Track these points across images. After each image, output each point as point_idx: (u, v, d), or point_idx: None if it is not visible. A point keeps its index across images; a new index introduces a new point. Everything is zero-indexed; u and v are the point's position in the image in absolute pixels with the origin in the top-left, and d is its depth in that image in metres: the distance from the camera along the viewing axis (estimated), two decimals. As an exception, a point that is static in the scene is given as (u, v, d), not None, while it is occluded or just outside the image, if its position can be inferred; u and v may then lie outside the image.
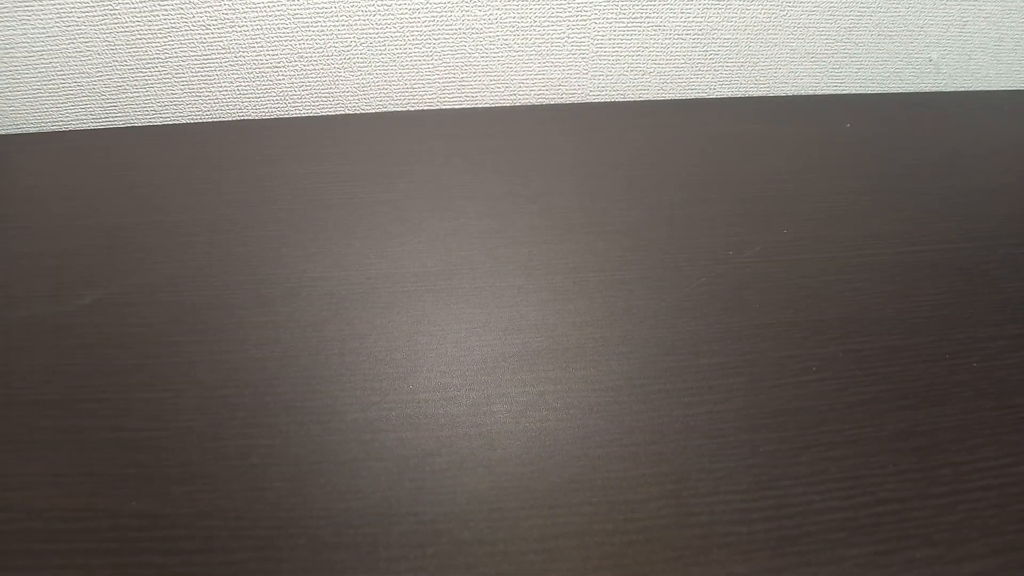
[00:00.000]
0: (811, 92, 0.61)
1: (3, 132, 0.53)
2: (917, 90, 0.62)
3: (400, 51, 0.53)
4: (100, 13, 0.49)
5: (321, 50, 0.52)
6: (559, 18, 0.53)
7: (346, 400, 0.31)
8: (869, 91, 0.61)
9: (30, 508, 0.26)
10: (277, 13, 0.50)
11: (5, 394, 0.31)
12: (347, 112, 0.56)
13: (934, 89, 0.62)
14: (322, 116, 0.55)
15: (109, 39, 0.50)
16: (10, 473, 0.27)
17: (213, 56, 0.52)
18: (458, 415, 0.30)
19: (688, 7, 0.54)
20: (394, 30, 0.52)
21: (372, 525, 0.26)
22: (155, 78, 0.52)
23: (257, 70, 0.53)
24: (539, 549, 0.25)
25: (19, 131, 0.53)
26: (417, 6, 0.51)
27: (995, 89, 0.62)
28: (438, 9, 0.51)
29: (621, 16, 0.54)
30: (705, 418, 0.30)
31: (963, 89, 0.62)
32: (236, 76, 0.53)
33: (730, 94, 0.60)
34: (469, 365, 0.32)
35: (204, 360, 0.32)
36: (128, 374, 0.32)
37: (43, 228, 0.42)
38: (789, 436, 0.29)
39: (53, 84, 0.52)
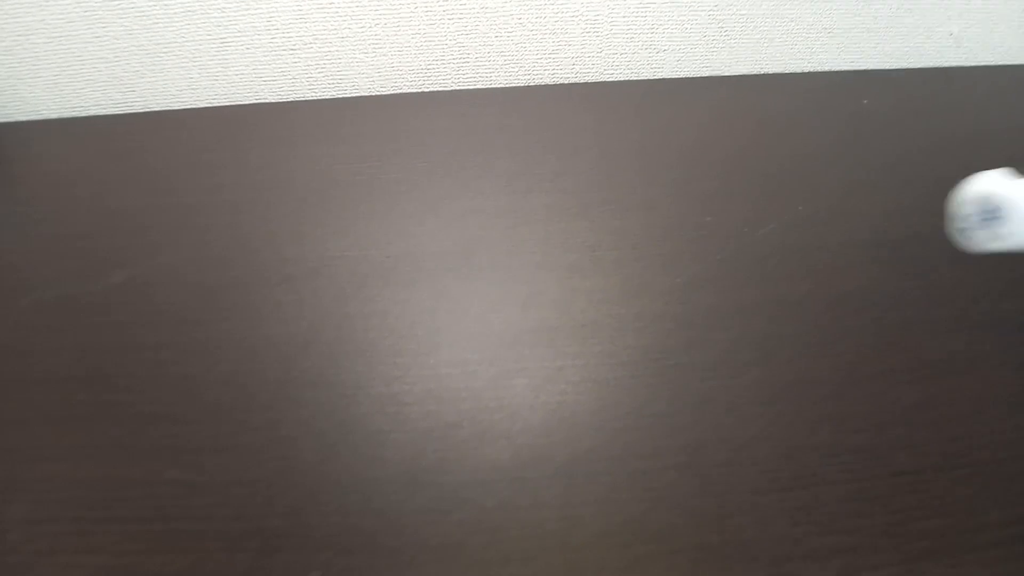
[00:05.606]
0: (828, 68, 0.60)
1: (26, 119, 0.54)
2: (937, 65, 0.61)
3: (415, 32, 0.53)
4: (118, -2, 0.49)
5: (336, 32, 0.53)
6: (573, -4, 0.53)
7: (370, 375, 0.31)
8: (887, 66, 0.60)
9: (70, 478, 0.27)
10: (292, -5, 0.50)
11: (41, 370, 0.32)
12: (363, 94, 0.56)
13: (954, 64, 0.61)
14: (338, 98, 0.55)
15: (126, 24, 0.51)
16: (49, 445, 0.28)
17: (229, 39, 0.52)
18: (479, 388, 0.31)
19: (703, -17, 0.53)
20: (408, 10, 0.52)
21: (398, 493, 0.26)
22: (172, 62, 0.53)
23: (273, 53, 0.53)
24: (560, 516, 0.26)
25: (41, 117, 0.54)
26: (431, -14, 0.51)
27: (1018, 63, 0.61)
28: (452, -11, 0.51)
29: (636, -7, 0.53)
30: (721, 391, 0.30)
31: (984, 63, 0.61)
32: (252, 59, 0.53)
33: (746, 71, 0.59)
34: (489, 340, 0.33)
35: (231, 337, 0.33)
36: (158, 350, 0.32)
37: (69, 211, 0.42)
38: (805, 408, 0.30)
39: (72, 70, 0.52)
